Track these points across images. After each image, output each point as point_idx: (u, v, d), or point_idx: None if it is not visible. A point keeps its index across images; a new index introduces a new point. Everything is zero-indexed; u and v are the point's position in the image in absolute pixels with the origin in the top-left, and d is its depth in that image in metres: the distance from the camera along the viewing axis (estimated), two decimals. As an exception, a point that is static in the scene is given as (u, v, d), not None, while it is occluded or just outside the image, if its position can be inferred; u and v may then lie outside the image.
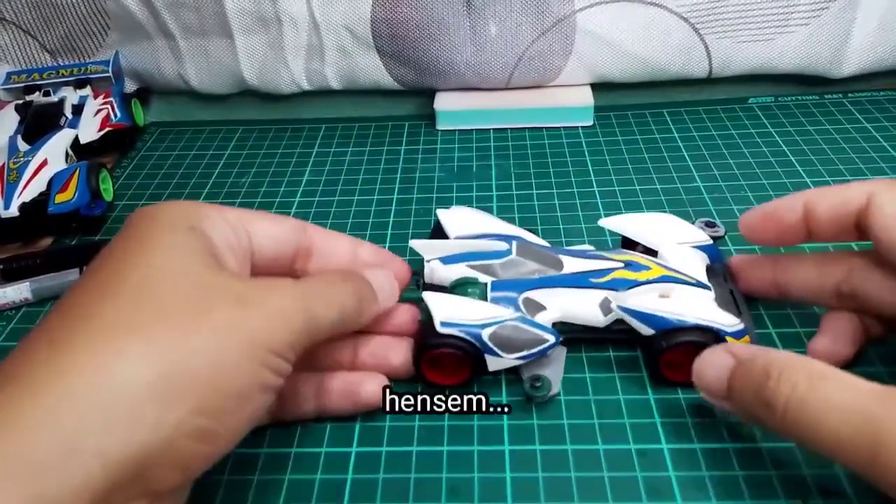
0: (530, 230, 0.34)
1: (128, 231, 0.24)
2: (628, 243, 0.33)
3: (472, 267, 0.31)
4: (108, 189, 0.45)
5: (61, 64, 0.56)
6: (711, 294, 0.30)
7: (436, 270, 0.31)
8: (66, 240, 0.43)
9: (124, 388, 0.19)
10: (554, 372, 0.29)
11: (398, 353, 0.30)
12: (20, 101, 0.52)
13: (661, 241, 0.32)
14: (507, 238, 0.32)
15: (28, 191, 0.43)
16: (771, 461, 0.26)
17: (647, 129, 0.49)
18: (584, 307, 0.30)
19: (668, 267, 0.30)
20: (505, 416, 0.29)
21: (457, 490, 0.26)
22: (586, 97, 0.51)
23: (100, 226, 0.44)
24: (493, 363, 0.28)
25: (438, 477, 0.26)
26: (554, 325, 0.30)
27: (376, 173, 0.47)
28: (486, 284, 0.30)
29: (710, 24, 0.48)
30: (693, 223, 0.33)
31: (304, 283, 0.25)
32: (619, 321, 0.30)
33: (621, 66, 0.50)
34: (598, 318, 0.30)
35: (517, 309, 0.29)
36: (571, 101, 0.51)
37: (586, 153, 0.47)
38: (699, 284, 0.30)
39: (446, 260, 0.31)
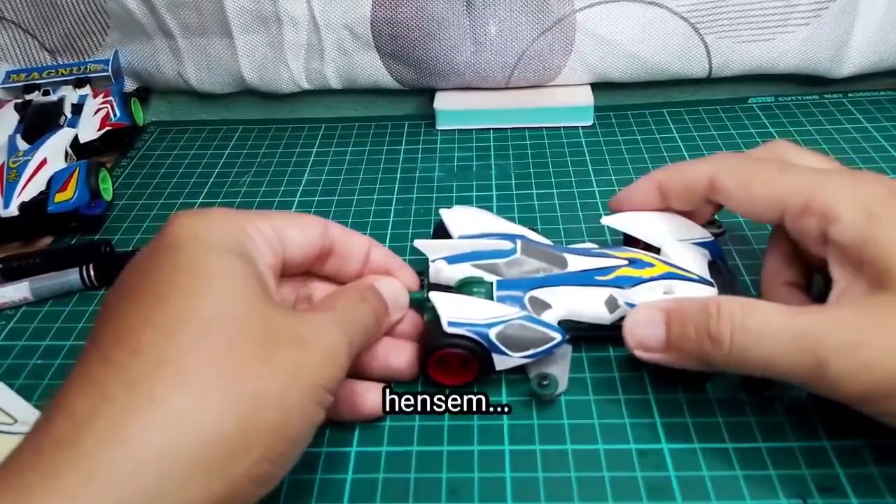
0: (532, 229, 0.34)
1: (176, 254, 0.22)
2: (630, 241, 0.33)
3: (478, 266, 0.31)
4: (107, 188, 0.45)
5: (61, 63, 0.56)
6: (714, 290, 0.30)
7: (441, 270, 0.31)
8: (65, 239, 0.43)
9: (203, 439, 0.19)
10: (560, 370, 0.29)
11: (401, 355, 0.29)
12: (20, 101, 0.52)
13: (663, 239, 0.32)
14: (510, 237, 0.32)
15: (27, 190, 0.43)
16: (771, 461, 0.26)
17: (647, 129, 0.49)
18: (590, 305, 0.30)
19: (671, 264, 0.31)
20: (505, 416, 0.29)
21: (457, 490, 0.26)
22: (586, 97, 0.51)
23: (99, 225, 0.44)
24: (501, 362, 0.28)
25: (438, 477, 0.26)
26: (560, 322, 0.30)
27: (376, 173, 0.47)
28: (491, 284, 0.30)
29: (710, 24, 0.48)
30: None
31: (339, 312, 0.25)
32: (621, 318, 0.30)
33: (621, 65, 0.50)
34: (603, 316, 0.30)
35: (523, 307, 0.29)
36: (571, 100, 0.51)
37: (586, 153, 0.47)
38: (702, 280, 0.30)
39: (451, 259, 0.31)
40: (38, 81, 0.54)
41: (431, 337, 0.29)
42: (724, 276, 0.31)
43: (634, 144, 0.48)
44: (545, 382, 0.28)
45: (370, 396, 0.28)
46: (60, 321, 0.36)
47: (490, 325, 0.28)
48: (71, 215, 0.42)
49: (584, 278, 0.30)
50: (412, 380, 0.30)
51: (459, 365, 0.29)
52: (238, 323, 0.21)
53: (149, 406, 0.19)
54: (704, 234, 0.32)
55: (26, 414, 0.30)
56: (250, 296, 0.22)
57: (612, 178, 0.44)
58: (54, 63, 0.56)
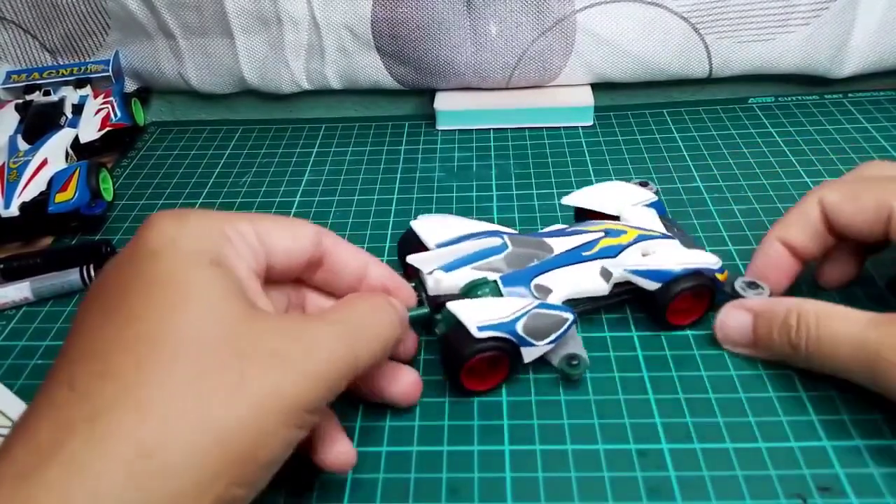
0: (530, 230, 0.34)
1: (150, 264, 0.21)
2: (581, 216, 0.36)
3: (478, 268, 0.31)
4: (108, 188, 0.45)
5: (61, 63, 0.56)
6: (676, 241, 0.33)
7: (441, 280, 0.30)
8: (66, 239, 0.43)
9: (167, 472, 0.18)
10: (579, 349, 0.30)
11: (401, 381, 0.28)
12: (20, 101, 0.52)
13: (620, 207, 0.35)
14: (492, 234, 0.32)
15: (28, 190, 0.43)
16: (771, 461, 0.26)
17: (647, 129, 0.49)
18: (588, 280, 0.31)
19: (637, 227, 0.33)
20: (505, 416, 0.29)
21: (457, 490, 0.26)
22: (586, 97, 0.51)
23: (100, 225, 0.44)
24: (528, 354, 0.29)
25: (438, 477, 0.26)
26: (563, 303, 0.31)
27: (376, 173, 0.47)
28: (495, 281, 0.30)
29: (711, 24, 0.48)
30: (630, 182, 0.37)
31: (346, 322, 0.24)
32: (618, 285, 0.31)
33: (621, 65, 0.50)
34: (602, 288, 0.31)
35: (531, 297, 0.30)
36: (571, 100, 0.51)
37: (586, 153, 0.47)
38: (664, 236, 0.33)
39: (448, 267, 0.31)
40: (38, 82, 0.54)
41: (459, 346, 0.28)
42: (675, 229, 0.34)
43: (635, 144, 0.48)
44: (575, 363, 0.29)
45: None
46: (61, 321, 0.36)
47: (515, 320, 0.28)
48: (71, 215, 0.42)
49: (574, 257, 0.32)
50: (411, 406, 0.29)
51: (487, 368, 0.29)
52: (211, 345, 0.20)
53: (111, 439, 0.18)
54: (649, 196, 0.36)
55: (27, 414, 0.30)
56: (227, 312, 0.21)
57: (613, 178, 0.44)
58: (55, 63, 0.56)
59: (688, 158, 0.46)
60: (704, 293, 0.31)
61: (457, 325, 0.28)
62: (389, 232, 0.41)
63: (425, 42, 0.50)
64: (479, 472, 0.27)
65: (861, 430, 0.27)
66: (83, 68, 0.54)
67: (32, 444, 0.18)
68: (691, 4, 0.47)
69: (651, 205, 0.35)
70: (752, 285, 0.32)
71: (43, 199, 0.43)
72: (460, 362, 0.28)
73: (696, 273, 0.31)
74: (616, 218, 0.35)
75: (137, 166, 0.51)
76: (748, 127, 0.49)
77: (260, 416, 0.20)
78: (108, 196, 0.45)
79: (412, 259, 0.31)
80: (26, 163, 0.44)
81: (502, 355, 0.28)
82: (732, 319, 0.30)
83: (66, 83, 0.54)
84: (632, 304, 0.33)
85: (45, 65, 0.56)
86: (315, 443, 0.25)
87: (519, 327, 0.28)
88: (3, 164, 0.45)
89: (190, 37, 0.52)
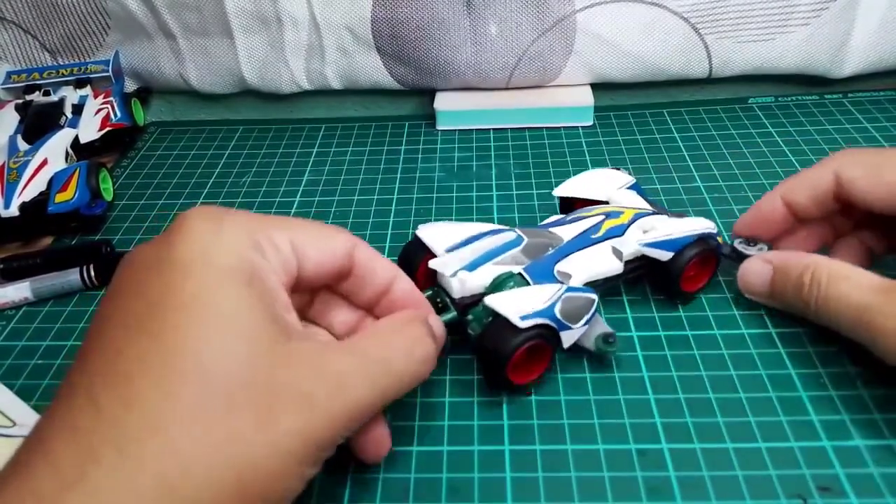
0: (530, 230, 0.34)
1: (181, 279, 0.20)
2: (566, 207, 0.38)
3: (499, 263, 0.31)
4: (108, 189, 0.45)
5: (61, 63, 0.56)
6: (665, 216, 0.34)
7: (465, 281, 0.30)
8: (66, 239, 0.43)
9: (189, 499, 0.18)
10: (608, 328, 0.30)
11: (370, 434, 0.25)
12: (20, 101, 0.52)
13: (608, 193, 0.37)
14: (501, 231, 0.32)
15: (28, 190, 0.43)
16: (771, 461, 0.26)
17: (647, 129, 0.49)
18: (602, 261, 0.32)
19: (630, 207, 0.35)
20: (505, 416, 0.29)
21: (457, 490, 0.26)
22: (586, 97, 0.51)
23: (100, 225, 0.44)
24: (567, 338, 0.29)
25: (438, 477, 0.26)
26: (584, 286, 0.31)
27: (376, 173, 0.47)
28: (520, 273, 0.30)
29: (711, 24, 0.48)
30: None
31: (387, 359, 0.23)
32: (629, 262, 0.32)
33: (621, 65, 0.50)
34: (616, 267, 0.32)
35: (557, 283, 0.30)
36: (571, 100, 0.51)
37: (586, 153, 0.47)
38: (654, 212, 0.35)
39: (471, 267, 0.30)
40: (38, 82, 0.54)
41: (503, 340, 0.27)
42: (657, 206, 0.36)
43: (635, 144, 0.48)
44: (611, 340, 0.29)
45: (377, 432, 0.25)
46: (61, 321, 0.36)
47: (552, 305, 0.28)
48: (71, 215, 0.42)
49: (585, 240, 0.33)
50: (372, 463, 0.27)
51: (527, 360, 0.28)
52: (241, 380, 0.19)
53: (137, 474, 0.18)
54: (629, 179, 0.38)
55: (25, 416, 0.30)
56: (258, 344, 0.20)
57: (613, 178, 0.44)
58: (55, 63, 0.56)
59: (688, 158, 0.46)
60: (710, 257, 0.33)
61: (494, 321, 0.28)
62: (389, 232, 0.41)
63: (425, 42, 0.50)
64: (479, 472, 0.27)
65: (861, 430, 0.27)
66: (83, 68, 0.54)
67: (55, 467, 0.18)
68: (691, 4, 0.47)
69: (631, 187, 0.38)
70: (752, 242, 0.33)
71: (43, 199, 0.43)
72: (506, 356, 0.27)
73: (701, 239, 0.32)
74: (605, 203, 0.36)
75: (137, 166, 0.51)
76: (748, 127, 0.49)
77: (281, 456, 0.20)
78: (108, 196, 0.45)
79: (434, 264, 0.30)
80: (26, 163, 0.44)
81: (544, 343, 0.28)
82: (754, 269, 0.32)
83: (66, 83, 0.54)
84: (643, 280, 0.34)
85: (45, 65, 0.56)
86: None
87: (557, 312, 0.28)
88: (3, 164, 0.45)
89: (190, 37, 0.52)
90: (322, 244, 0.24)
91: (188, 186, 0.48)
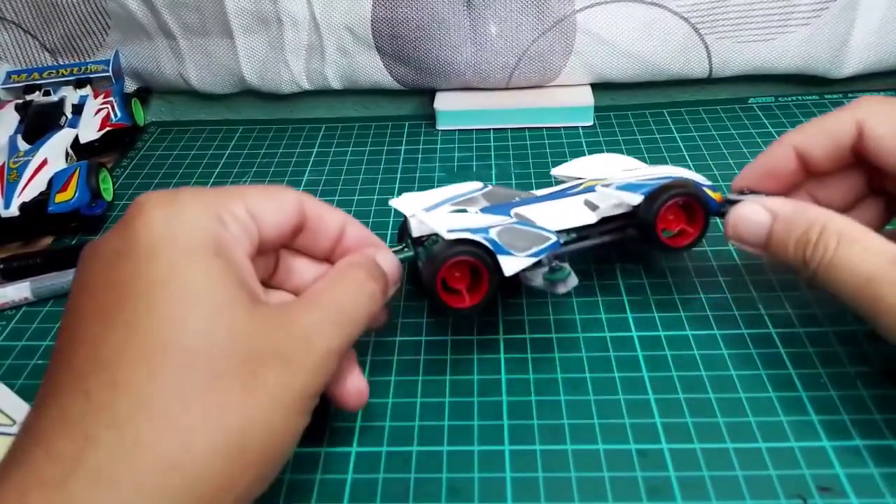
0: (504, 188, 0.34)
1: (148, 264, 0.20)
2: None
3: (458, 203, 0.31)
4: (108, 189, 0.45)
5: (61, 63, 0.56)
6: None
7: (424, 220, 0.30)
8: (66, 239, 0.43)
9: (191, 478, 0.18)
10: (570, 278, 0.29)
11: (348, 384, 0.26)
12: (20, 101, 0.52)
13: (611, 173, 0.34)
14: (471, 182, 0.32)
15: (28, 190, 0.43)
16: (771, 461, 0.26)
17: (647, 129, 0.49)
18: (572, 212, 0.31)
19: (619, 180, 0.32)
20: (505, 416, 0.29)
21: (457, 490, 0.26)
22: (586, 97, 0.51)
23: (100, 225, 0.44)
24: (509, 265, 0.27)
25: (438, 477, 0.26)
26: None
27: (376, 173, 0.47)
28: (476, 213, 0.30)
29: (711, 24, 0.48)
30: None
31: (337, 306, 0.24)
32: (608, 221, 0.30)
33: (621, 65, 0.50)
34: (588, 217, 0.30)
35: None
36: (571, 100, 0.51)
37: (587, 153, 0.47)
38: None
39: (431, 208, 0.31)
40: (38, 82, 0.54)
41: (432, 256, 0.27)
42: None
43: (635, 144, 0.48)
44: (555, 266, 0.28)
45: (353, 381, 0.26)
46: (60, 322, 0.36)
47: (489, 228, 0.27)
48: (71, 216, 0.42)
49: (556, 195, 0.32)
50: (354, 410, 0.27)
51: (469, 279, 0.28)
52: (222, 350, 0.20)
53: (136, 450, 0.18)
54: (639, 164, 0.35)
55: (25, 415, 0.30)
56: (232, 310, 0.21)
57: (613, 178, 0.44)
58: (55, 63, 0.56)
59: (688, 158, 0.46)
60: (695, 207, 0.30)
61: (431, 250, 0.28)
62: (389, 232, 0.41)
63: (425, 42, 0.50)
64: (479, 472, 0.27)
65: (861, 431, 0.27)
66: (83, 68, 0.54)
67: (54, 456, 0.18)
68: (691, 4, 0.47)
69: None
70: (748, 194, 0.30)
71: (43, 199, 0.43)
72: (433, 270, 0.27)
73: (682, 183, 0.29)
74: None
75: (137, 166, 0.51)
76: (748, 127, 0.49)
77: (273, 414, 0.20)
78: (108, 196, 0.45)
79: (395, 202, 0.31)
80: (26, 163, 0.44)
81: (478, 264, 0.27)
82: (748, 215, 0.27)
83: (66, 83, 0.54)
84: (624, 245, 0.32)
85: (45, 65, 0.56)
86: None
87: (495, 234, 0.27)
88: (3, 164, 0.45)
89: (190, 37, 0.52)
90: (274, 204, 0.25)
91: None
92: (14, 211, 0.42)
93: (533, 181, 0.45)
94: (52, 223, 0.43)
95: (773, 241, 0.27)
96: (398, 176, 0.46)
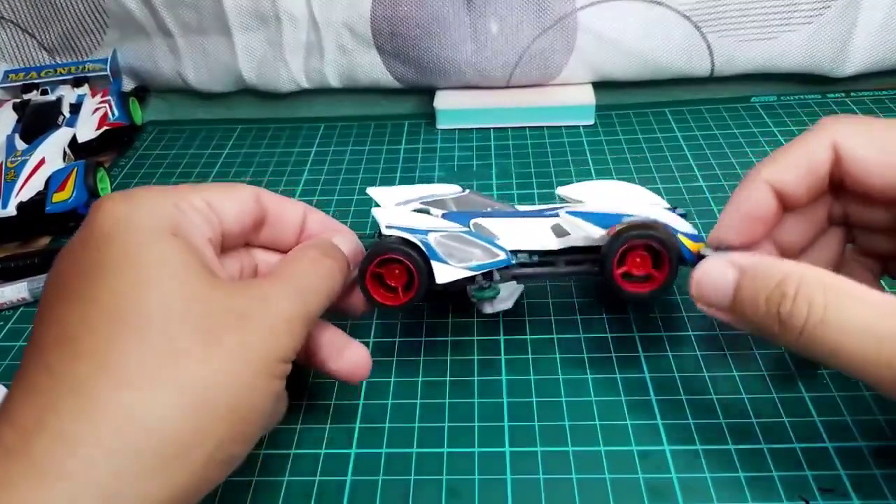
0: (485, 198, 0.34)
1: (106, 246, 0.21)
2: None
3: (426, 203, 0.30)
4: (105, 188, 0.45)
5: (59, 62, 0.56)
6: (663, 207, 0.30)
7: (376, 214, 0.29)
8: (63, 239, 0.43)
9: (155, 434, 0.19)
10: (508, 293, 0.28)
11: (347, 357, 0.27)
12: (18, 100, 0.52)
13: (608, 203, 0.31)
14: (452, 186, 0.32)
15: (25, 190, 0.43)
16: (773, 462, 0.26)
17: (648, 128, 0.49)
18: (536, 233, 0.29)
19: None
20: (506, 418, 0.28)
21: (457, 492, 0.26)
22: (588, 96, 0.50)
23: (98, 225, 0.44)
24: (442, 273, 0.27)
25: (439, 479, 0.26)
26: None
27: (376, 172, 0.47)
28: (437, 216, 0.30)
29: (713, 23, 0.48)
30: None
31: (293, 279, 0.24)
32: (574, 251, 0.28)
33: (623, 64, 0.50)
34: (551, 242, 0.29)
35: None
36: (573, 99, 0.50)
37: (588, 152, 0.47)
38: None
39: (401, 203, 0.31)
40: (36, 81, 0.54)
41: (369, 251, 0.27)
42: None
43: (636, 143, 0.47)
44: (485, 285, 0.27)
45: (350, 354, 0.27)
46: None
47: (430, 231, 0.27)
48: (69, 215, 0.42)
49: (526, 213, 0.31)
50: (357, 382, 0.28)
51: (400, 279, 0.27)
52: (177, 313, 0.20)
53: (95, 408, 0.18)
54: (659, 200, 0.32)
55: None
56: (188, 279, 0.21)
57: (614, 177, 0.44)
58: (52, 62, 0.56)
59: (690, 158, 0.45)
60: (662, 254, 0.26)
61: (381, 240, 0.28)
62: (389, 231, 0.41)
63: (425, 40, 0.49)
64: (480, 474, 0.26)
65: (863, 432, 0.27)
66: (81, 67, 0.54)
67: (15, 423, 0.19)
68: (693, 3, 0.47)
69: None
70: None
71: (40, 198, 0.42)
72: (365, 264, 0.27)
73: (652, 225, 0.26)
74: None
75: (135, 166, 0.50)
76: (751, 126, 0.48)
77: (236, 369, 0.21)
78: (107, 195, 0.45)
79: (372, 191, 0.31)
80: (24, 162, 0.44)
81: (410, 265, 0.27)
82: (712, 272, 0.24)
83: (63, 82, 0.54)
84: (589, 278, 0.30)
85: (42, 64, 0.56)
86: (321, 355, 0.27)
87: (432, 238, 0.27)
88: (1, 163, 0.45)
89: (188, 35, 0.52)
90: (232, 197, 0.26)
91: (187, 186, 0.47)
92: (11, 211, 0.42)
93: (534, 180, 0.44)
94: (50, 223, 0.43)
95: (741, 299, 0.23)
96: (398, 175, 0.46)
